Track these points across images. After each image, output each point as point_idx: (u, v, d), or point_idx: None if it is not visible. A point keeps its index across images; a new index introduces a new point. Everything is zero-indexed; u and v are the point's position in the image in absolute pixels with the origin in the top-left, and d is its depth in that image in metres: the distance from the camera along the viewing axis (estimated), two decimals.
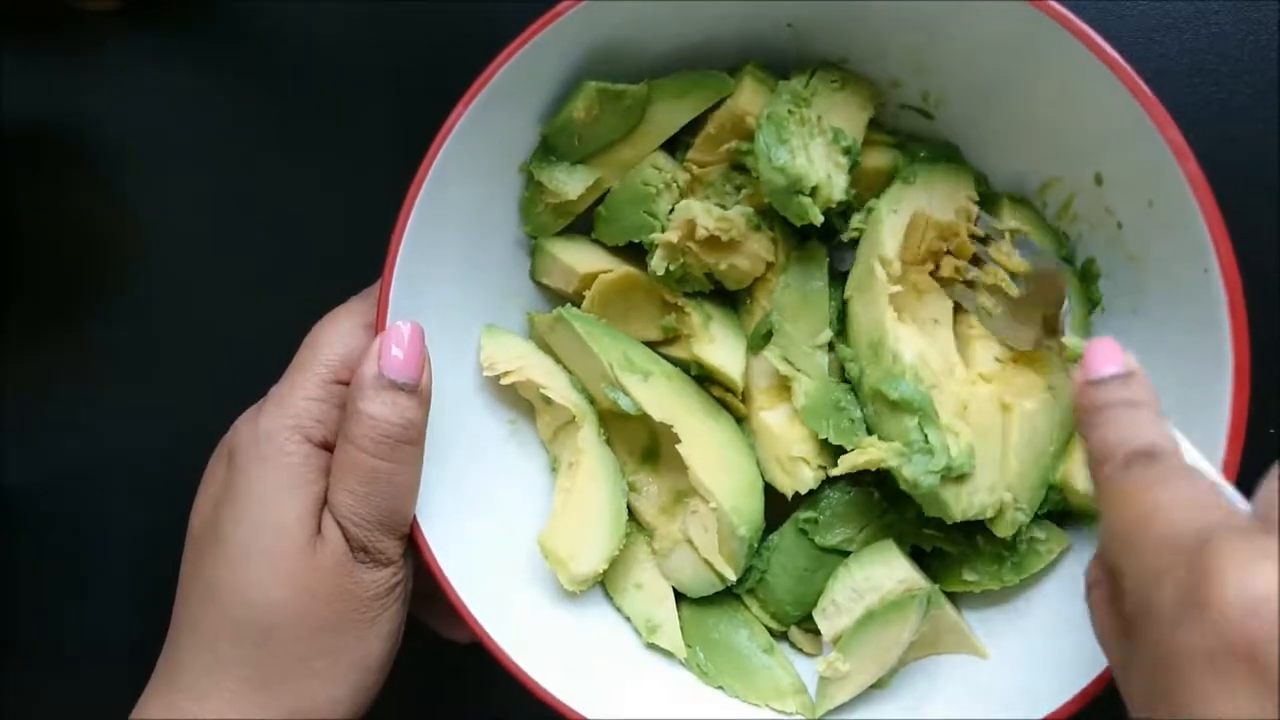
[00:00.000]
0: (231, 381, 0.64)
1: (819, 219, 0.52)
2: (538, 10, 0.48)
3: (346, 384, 0.50)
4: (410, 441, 0.49)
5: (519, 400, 0.59)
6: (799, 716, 0.54)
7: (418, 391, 0.49)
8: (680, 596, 0.58)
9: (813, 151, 0.53)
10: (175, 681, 0.48)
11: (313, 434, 0.49)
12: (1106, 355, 0.43)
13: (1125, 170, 0.49)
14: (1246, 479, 0.45)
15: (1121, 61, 0.45)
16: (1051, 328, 0.52)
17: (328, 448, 0.50)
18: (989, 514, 0.52)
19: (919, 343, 0.53)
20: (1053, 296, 0.52)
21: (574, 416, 0.57)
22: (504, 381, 0.56)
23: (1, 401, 0.66)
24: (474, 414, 0.57)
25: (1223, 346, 0.46)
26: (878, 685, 0.53)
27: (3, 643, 0.66)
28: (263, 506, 0.48)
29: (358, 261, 0.54)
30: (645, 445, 0.59)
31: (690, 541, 0.56)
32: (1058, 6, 0.46)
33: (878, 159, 0.56)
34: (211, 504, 0.50)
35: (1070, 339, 0.50)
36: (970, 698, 0.52)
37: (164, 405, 0.65)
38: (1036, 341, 0.53)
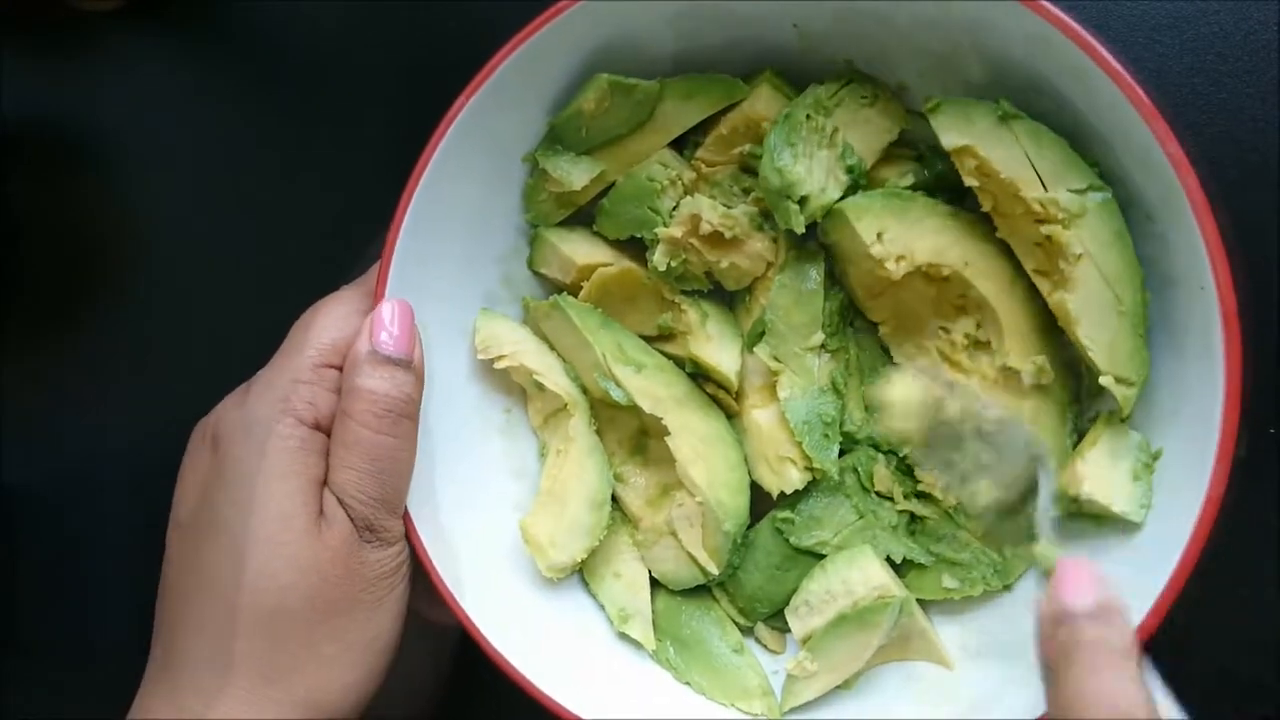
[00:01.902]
0: (232, 381, 0.63)
1: (801, 228, 0.53)
2: (539, 10, 0.49)
3: (337, 368, 0.50)
4: (409, 416, 0.49)
5: (514, 388, 0.59)
6: (764, 718, 0.54)
7: (411, 367, 0.49)
8: (656, 590, 0.58)
9: (815, 161, 0.53)
10: (177, 679, 0.47)
11: (304, 416, 0.49)
12: (1080, 584, 0.40)
13: (1125, 183, 0.49)
14: (1247, 480, 0.45)
15: (1122, 70, 0.45)
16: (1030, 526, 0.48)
17: (320, 429, 0.49)
18: None
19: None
20: (1027, 491, 0.49)
21: (565, 404, 0.57)
22: (497, 365, 0.56)
23: (1, 401, 0.66)
24: (469, 401, 0.57)
25: (1215, 366, 0.45)
26: (843, 686, 0.54)
27: (3, 643, 0.66)
28: (265, 494, 0.47)
29: (358, 260, 0.54)
30: (635, 436, 0.59)
31: (674, 534, 0.57)
32: (1064, 16, 0.46)
33: (893, 174, 0.56)
34: (198, 491, 0.49)
35: (1042, 547, 0.47)
36: (935, 701, 0.53)
37: (164, 405, 0.65)
38: (1020, 539, 0.50)
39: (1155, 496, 0.49)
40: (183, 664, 0.48)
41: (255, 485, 0.47)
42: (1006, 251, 0.53)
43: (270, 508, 0.47)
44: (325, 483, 0.49)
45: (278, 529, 0.47)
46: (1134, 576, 0.47)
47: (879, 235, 0.52)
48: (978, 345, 0.55)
